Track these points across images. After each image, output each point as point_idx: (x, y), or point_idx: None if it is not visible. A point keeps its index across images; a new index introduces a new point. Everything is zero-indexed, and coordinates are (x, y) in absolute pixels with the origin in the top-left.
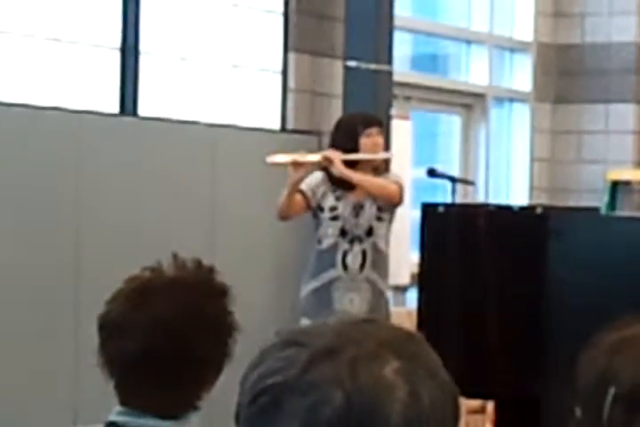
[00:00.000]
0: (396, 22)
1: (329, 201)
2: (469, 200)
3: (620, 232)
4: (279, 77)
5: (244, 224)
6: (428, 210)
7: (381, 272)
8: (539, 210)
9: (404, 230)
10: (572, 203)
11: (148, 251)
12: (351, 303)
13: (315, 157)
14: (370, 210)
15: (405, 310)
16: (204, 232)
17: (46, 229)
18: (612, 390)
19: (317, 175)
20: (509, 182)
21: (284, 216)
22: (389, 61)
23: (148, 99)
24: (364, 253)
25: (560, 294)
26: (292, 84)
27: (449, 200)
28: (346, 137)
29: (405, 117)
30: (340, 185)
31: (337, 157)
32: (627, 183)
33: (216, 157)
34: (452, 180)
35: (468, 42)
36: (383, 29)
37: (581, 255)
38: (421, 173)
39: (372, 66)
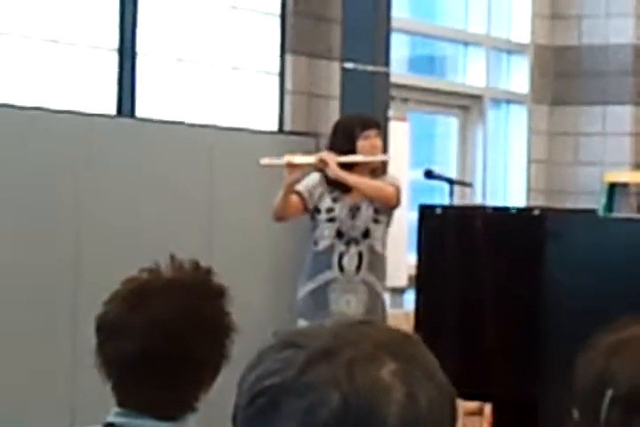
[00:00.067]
0: (394, 24)
1: (326, 202)
2: (467, 202)
3: (617, 234)
4: (277, 79)
5: (241, 226)
6: (426, 212)
7: (378, 274)
8: (536, 212)
9: (402, 232)
10: (569, 205)
11: (146, 252)
12: (347, 305)
13: (310, 159)
14: (366, 212)
15: (403, 311)
16: (201, 233)
17: (45, 231)
18: (609, 392)
19: (314, 176)
20: (507, 184)
21: (279, 217)
22: (387, 63)
23: (146, 100)
24: (360, 255)
25: (558, 296)
26: (289, 85)
27: (446, 202)
28: (343, 139)
29: (403, 119)
30: (337, 187)
31: (332, 159)
32: (624, 185)
33: (213, 159)
34: (450, 181)
35: (466, 44)
36: (380, 31)
37: (579, 257)
38: (419, 174)
39: (370, 67)
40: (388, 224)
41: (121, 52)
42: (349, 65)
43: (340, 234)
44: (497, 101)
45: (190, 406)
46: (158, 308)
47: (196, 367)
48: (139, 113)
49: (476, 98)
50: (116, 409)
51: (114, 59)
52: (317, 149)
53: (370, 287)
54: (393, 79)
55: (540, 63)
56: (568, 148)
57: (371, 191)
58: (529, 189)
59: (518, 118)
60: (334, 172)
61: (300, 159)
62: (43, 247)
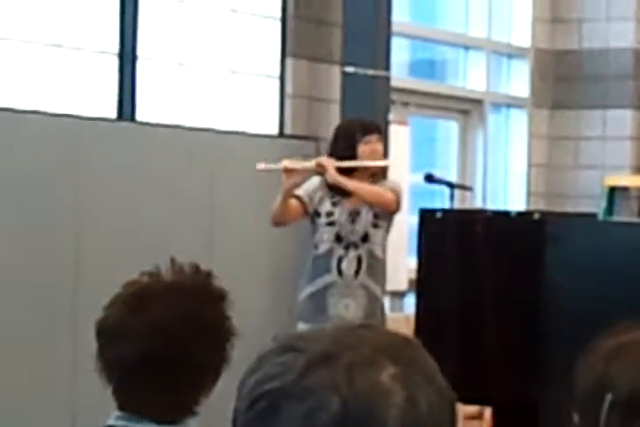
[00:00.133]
0: (394, 28)
1: (325, 206)
2: (467, 206)
3: (617, 238)
4: (277, 83)
5: (241, 229)
6: (426, 216)
7: (377, 278)
8: (536, 216)
9: (402, 236)
10: (569, 209)
11: (146, 256)
12: (346, 309)
13: (308, 164)
14: (366, 216)
15: (403, 315)
16: (201, 237)
17: (45, 234)
18: (609, 396)
19: (315, 180)
20: (507, 188)
21: (277, 222)
22: (387, 67)
23: (146, 104)
24: (359, 260)
25: (558, 300)
26: (289, 89)
27: (446, 206)
28: (344, 144)
29: (403, 123)
30: (337, 191)
31: (330, 164)
32: (624, 189)
33: (214, 163)
34: (450, 185)
35: (466, 48)
36: (381, 35)
37: (579, 261)
38: (419, 178)
39: (370, 71)
40: (387, 229)
41: (121, 56)
42: (350, 69)
43: (339, 238)
44: (497, 105)
45: (191, 409)
46: (159, 311)
47: (196, 371)
48: (139, 117)
49: (477, 102)
50: (117, 413)
51: (114, 63)
52: (318, 153)
53: (369, 292)
54: (393, 83)
55: (541, 67)
56: (568, 152)
57: (369, 197)
58: (529, 193)
59: (519, 122)
60: (332, 177)
61: (297, 164)
62: (43, 250)
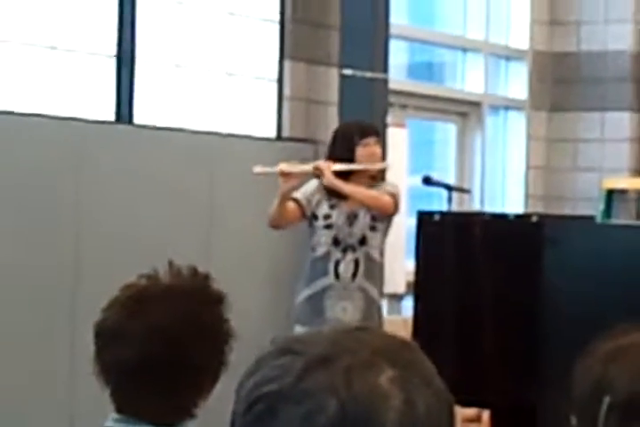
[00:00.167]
0: (392, 30)
1: (323, 209)
2: (465, 208)
3: (615, 240)
4: (275, 85)
5: (240, 231)
6: (424, 218)
7: (374, 281)
8: (534, 218)
9: (400, 238)
10: (567, 211)
11: (145, 258)
12: (344, 312)
13: (305, 168)
14: (364, 219)
15: (401, 318)
16: (200, 239)
17: (44, 236)
18: (607, 399)
19: (313, 183)
20: (505, 190)
21: (275, 225)
22: (385, 69)
23: (144, 107)
24: (356, 263)
25: (556, 303)
26: (287, 92)
27: (445, 208)
28: (342, 147)
29: (401, 125)
30: (335, 194)
31: (327, 167)
32: (622, 191)
33: (212, 165)
34: (448, 188)
35: (464, 50)
36: (379, 37)
37: (577, 263)
38: (417, 181)
39: (368, 74)
40: (385, 232)
41: (119, 58)
42: (348, 71)
43: (336, 241)
44: (495, 108)
45: (189, 412)
46: (157, 314)
47: (194, 374)
48: (137, 119)
49: (475, 104)
50: (114, 415)
51: (112, 65)
52: (316, 156)
53: (366, 294)
54: (391, 86)
55: (539, 69)
56: (566, 154)
57: (366, 200)
58: (527, 196)
59: (517, 125)
60: (329, 180)
61: (294, 168)
62: (42, 251)
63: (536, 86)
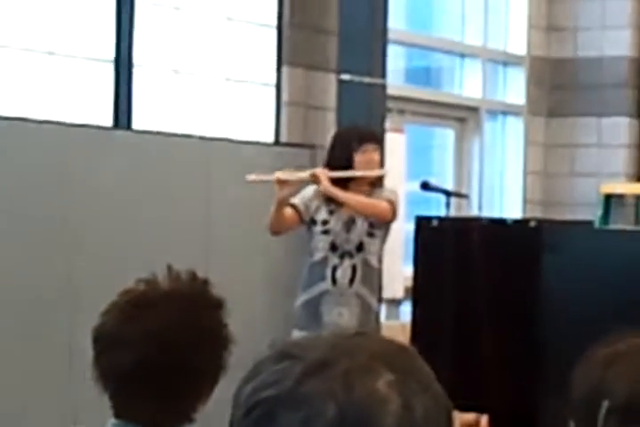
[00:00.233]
0: (390, 36)
1: (322, 215)
2: (463, 213)
3: (613, 245)
4: (273, 91)
5: (238, 237)
6: (422, 223)
7: (372, 287)
8: (532, 223)
9: (398, 244)
10: (565, 216)
11: (143, 263)
12: (340, 317)
13: (302, 175)
14: (361, 226)
15: (399, 323)
16: (198, 244)
17: (40, 242)
18: (605, 403)
19: (311, 188)
20: (503, 196)
21: (274, 231)
22: (383, 75)
23: (142, 112)
24: (353, 269)
25: (554, 308)
26: (285, 97)
27: (443, 213)
28: (341, 153)
29: (399, 131)
30: (334, 199)
31: (324, 174)
32: (620, 197)
33: (210, 171)
34: (446, 193)
35: (462, 55)
36: (377, 43)
37: (575, 269)
38: (415, 186)
39: (366, 79)
40: (384, 238)
41: (117, 63)
42: (346, 76)
43: (334, 247)
44: (493, 113)
45: (188, 417)
46: (155, 319)
47: (193, 378)
48: (135, 125)
49: (473, 109)
50: (113, 420)
51: (110, 70)
52: (314, 161)
53: (363, 301)
54: (389, 91)
55: (537, 75)
56: (564, 159)
57: (363, 209)
58: (525, 201)
59: (514, 130)
60: (326, 189)
61: (290, 175)
62: (37, 257)
63: (534, 92)
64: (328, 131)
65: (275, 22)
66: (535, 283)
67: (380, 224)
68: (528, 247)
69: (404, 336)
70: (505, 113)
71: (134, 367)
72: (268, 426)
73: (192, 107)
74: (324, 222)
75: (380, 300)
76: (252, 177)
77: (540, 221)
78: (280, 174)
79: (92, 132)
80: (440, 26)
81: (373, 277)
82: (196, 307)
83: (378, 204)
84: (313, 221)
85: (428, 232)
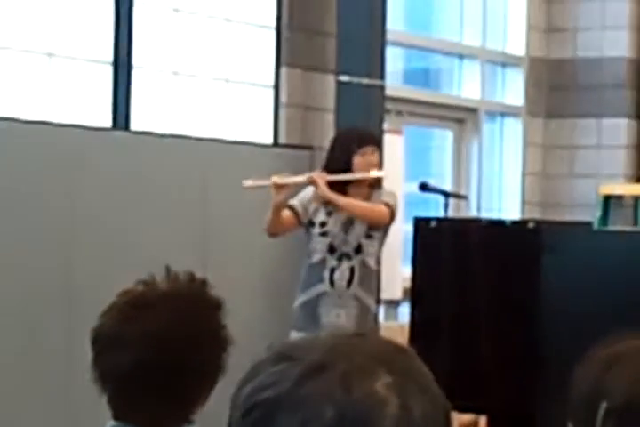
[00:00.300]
0: (389, 37)
1: (320, 216)
2: (462, 214)
3: (612, 246)
4: (271, 92)
5: (236, 238)
6: (421, 224)
7: (370, 289)
8: (531, 224)
9: (397, 245)
10: (564, 217)
11: (141, 264)
12: (338, 318)
13: (299, 179)
14: (360, 227)
15: (398, 324)
16: (196, 245)
17: (38, 244)
18: (603, 405)
19: (310, 190)
20: (502, 197)
21: (272, 233)
22: (382, 76)
23: (141, 113)
24: (352, 271)
25: (553, 309)
26: (284, 98)
27: (441, 214)
28: (340, 155)
29: (398, 132)
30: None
31: (322, 178)
32: (619, 198)
33: (209, 172)
34: (445, 194)
35: (461, 56)
36: (375, 44)
37: (574, 270)
38: (414, 187)
39: (365, 80)
40: (382, 239)
41: (116, 65)
42: (344, 78)
43: (332, 249)
44: (492, 114)
45: (186, 418)
46: (154, 320)
47: (192, 379)
48: (134, 126)
49: (471, 111)
50: (112, 422)
51: (109, 72)
52: (312, 162)
53: (360, 303)
54: (388, 92)
55: (535, 76)
56: (563, 160)
57: (360, 213)
58: (524, 202)
59: (513, 131)
60: (323, 193)
61: (287, 180)
62: (36, 258)
63: (532, 93)
64: (327, 132)
65: (273, 24)
66: (534, 284)
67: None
68: (527, 248)
69: (402, 337)
70: (504, 114)
71: (133, 368)
72: None
73: (190, 108)
74: (323, 224)
75: (378, 301)
76: (248, 183)
77: (539, 223)
78: (277, 179)
79: (91, 133)
80: (439, 27)
81: (371, 279)
82: (195, 308)
83: (375, 208)
84: (311, 223)
85: (426, 233)
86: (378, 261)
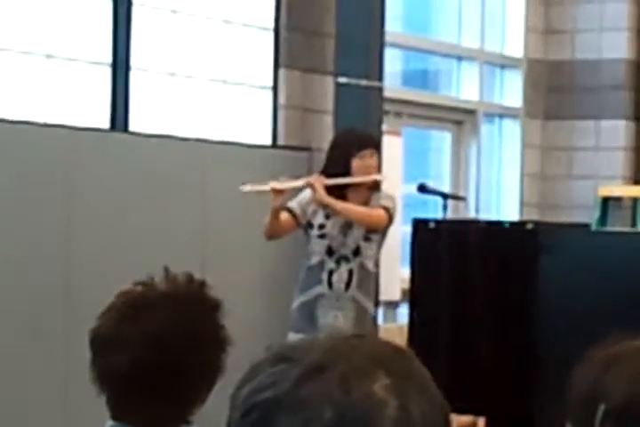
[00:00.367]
0: (387, 38)
1: (319, 218)
2: (460, 216)
3: (610, 248)
4: (270, 93)
5: (234, 239)
6: (419, 226)
7: (368, 292)
8: (529, 226)
9: (395, 246)
10: (562, 219)
11: (139, 265)
12: (335, 320)
13: (297, 184)
14: (358, 230)
15: (396, 325)
16: (195, 247)
17: (36, 245)
18: (602, 406)
19: (309, 192)
20: (500, 198)
21: (270, 236)
22: (380, 77)
23: (139, 115)
24: (350, 273)
25: (551, 310)
26: (282, 100)
27: (440, 216)
28: (339, 159)
29: (396, 133)
30: None
31: (320, 183)
32: (617, 199)
33: (207, 173)
34: (443, 195)
35: (459, 58)
36: (374, 45)
37: (572, 271)
38: (412, 188)
39: (363, 82)
40: (380, 242)
41: (114, 66)
42: (343, 79)
43: (330, 251)
44: (490, 116)
45: (185, 419)
46: (152, 321)
47: (190, 380)
48: (132, 127)
49: (470, 112)
50: (110, 422)
51: (107, 73)
52: (311, 164)
53: (358, 305)
54: (386, 94)
55: (534, 78)
56: (561, 162)
57: (357, 218)
58: (522, 203)
59: (512, 133)
60: (320, 198)
61: (285, 184)
62: (34, 259)
63: (531, 94)
64: (325, 133)
65: (272, 25)
66: (532, 285)
67: None
68: (525, 250)
69: (401, 339)
70: (502, 116)
71: (131, 368)
72: None
73: (189, 109)
74: (321, 226)
75: (376, 303)
76: (247, 188)
77: (537, 224)
78: (275, 184)
79: (89, 134)
80: (437, 29)
81: (370, 282)
82: (194, 308)
83: (373, 213)
84: (310, 225)
85: (425, 234)
86: (376, 264)
